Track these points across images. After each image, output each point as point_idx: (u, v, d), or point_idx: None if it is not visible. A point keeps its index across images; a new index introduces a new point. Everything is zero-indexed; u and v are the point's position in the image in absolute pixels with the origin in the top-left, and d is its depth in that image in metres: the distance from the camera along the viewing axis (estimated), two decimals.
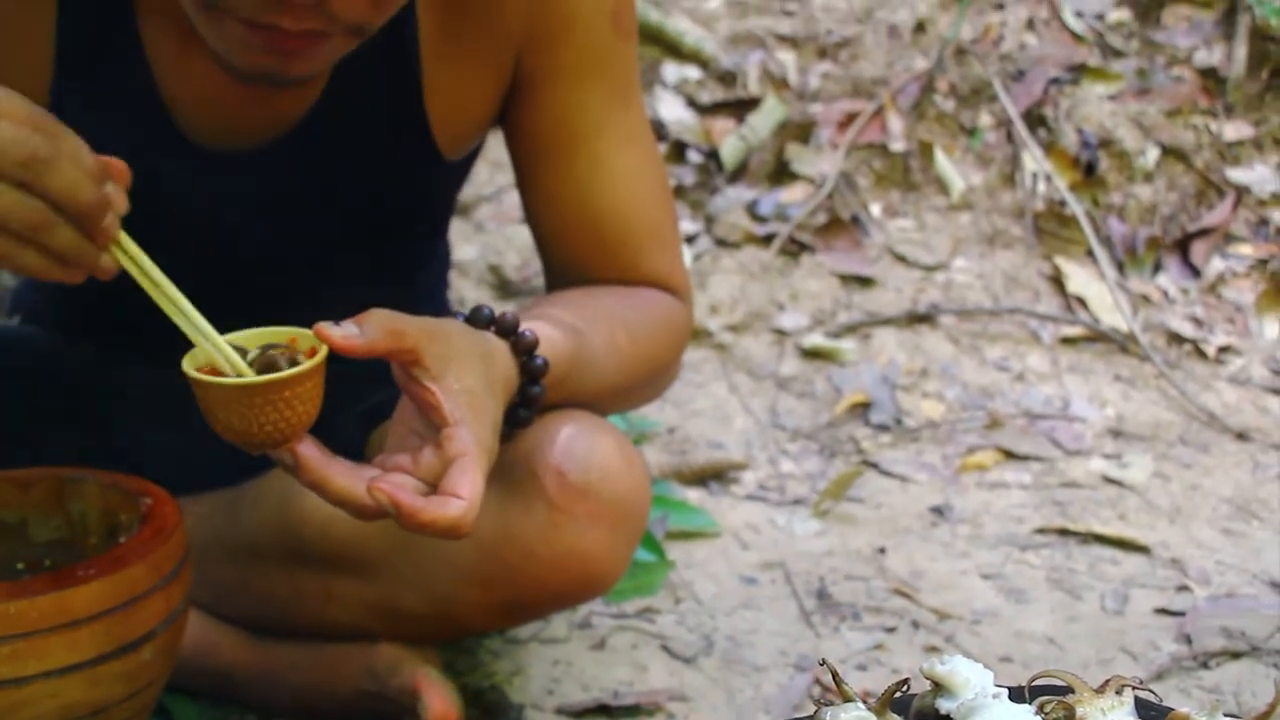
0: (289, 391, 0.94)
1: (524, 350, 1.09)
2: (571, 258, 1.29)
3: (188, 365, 0.96)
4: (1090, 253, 2.47)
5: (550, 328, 1.14)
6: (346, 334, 0.97)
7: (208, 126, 1.18)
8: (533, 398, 1.11)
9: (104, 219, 0.92)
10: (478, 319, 1.10)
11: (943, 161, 2.59)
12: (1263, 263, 2.50)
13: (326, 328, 0.97)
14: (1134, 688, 0.81)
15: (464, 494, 0.96)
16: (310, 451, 0.97)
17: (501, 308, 1.12)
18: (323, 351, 0.97)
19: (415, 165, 1.26)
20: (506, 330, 1.09)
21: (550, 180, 1.27)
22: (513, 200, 2.54)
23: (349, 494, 0.97)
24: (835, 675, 0.84)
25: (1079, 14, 2.79)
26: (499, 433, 1.03)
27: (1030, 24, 2.77)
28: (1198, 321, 2.41)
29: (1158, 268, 2.52)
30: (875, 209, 2.56)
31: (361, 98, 1.20)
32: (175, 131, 1.18)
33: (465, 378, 1.01)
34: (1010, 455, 2.06)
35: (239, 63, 1.01)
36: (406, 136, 1.23)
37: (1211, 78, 2.69)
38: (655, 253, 1.30)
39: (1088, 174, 2.56)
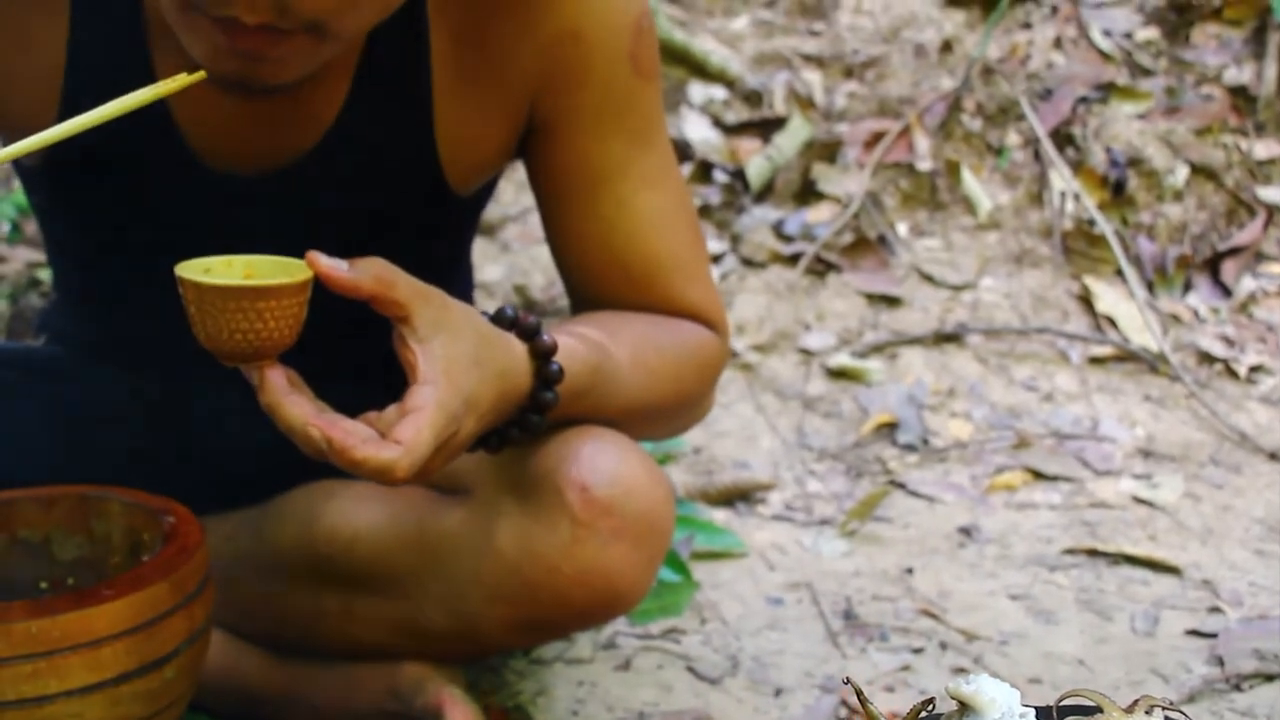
0: (262, 303, 0.95)
1: (540, 354, 1.09)
2: (599, 295, 1.28)
3: (180, 268, 0.98)
4: (1119, 272, 2.46)
5: (573, 339, 1.14)
6: (334, 265, 0.99)
7: (218, 149, 1.18)
8: (545, 403, 1.10)
9: None
10: (500, 319, 1.10)
11: (970, 181, 2.58)
12: None
13: (316, 255, 0.99)
14: (1164, 708, 0.79)
15: (401, 439, 0.96)
16: (276, 376, 0.98)
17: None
18: (307, 274, 0.98)
19: (425, 199, 1.25)
20: (526, 333, 1.09)
21: (573, 222, 1.27)
22: (538, 220, 2.54)
23: (297, 426, 0.97)
24: (861, 696, 0.83)
25: (1107, 33, 2.77)
26: (477, 412, 1.03)
27: (1058, 43, 2.76)
28: (1228, 341, 2.39)
29: (1188, 287, 2.50)
30: (902, 228, 2.55)
31: (372, 130, 1.19)
32: (186, 152, 1.18)
33: (452, 347, 1.01)
34: (1039, 475, 2.05)
35: (210, 67, 1.00)
36: (416, 170, 1.22)
37: (1241, 96, 2.68)
38: (685, 288, 1.29)
39: (1116, 193, 2.55)
